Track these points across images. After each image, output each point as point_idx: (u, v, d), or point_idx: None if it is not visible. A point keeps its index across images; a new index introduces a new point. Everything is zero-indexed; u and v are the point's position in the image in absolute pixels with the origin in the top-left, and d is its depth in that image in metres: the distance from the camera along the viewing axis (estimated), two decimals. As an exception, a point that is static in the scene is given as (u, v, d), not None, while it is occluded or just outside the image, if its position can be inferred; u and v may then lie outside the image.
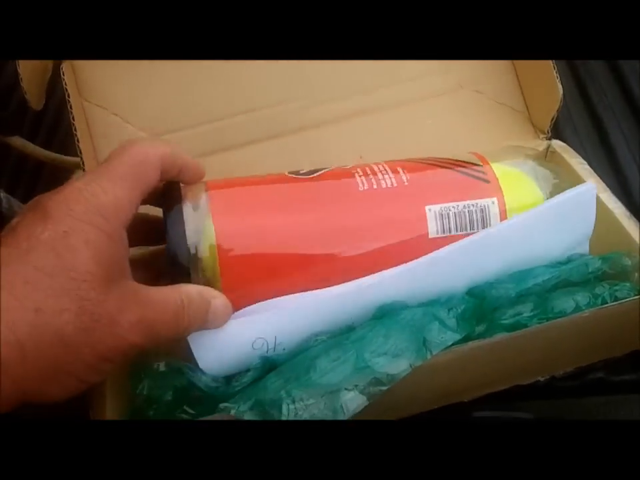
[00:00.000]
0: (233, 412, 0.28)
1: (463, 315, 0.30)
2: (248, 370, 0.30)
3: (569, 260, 0.33)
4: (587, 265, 0.32)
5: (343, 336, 0.30)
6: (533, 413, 0.34)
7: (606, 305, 0.31)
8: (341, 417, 0.27)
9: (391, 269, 0.30)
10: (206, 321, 0.28)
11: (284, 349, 0.30)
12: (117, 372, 0.31)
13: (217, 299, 0.28)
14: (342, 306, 0.30)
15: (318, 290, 0.30)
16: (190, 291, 0.28)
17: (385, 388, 0.27)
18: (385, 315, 0.30)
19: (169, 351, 0.31)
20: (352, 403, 0.27)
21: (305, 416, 0.27)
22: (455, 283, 0.32)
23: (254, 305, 0.30)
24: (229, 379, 0.30)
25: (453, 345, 0.29)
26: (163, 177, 0.29)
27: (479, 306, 0.31)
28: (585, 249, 0.34)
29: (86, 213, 0.24)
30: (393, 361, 0.28)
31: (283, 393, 0.28)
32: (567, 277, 0.32)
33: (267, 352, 0.30)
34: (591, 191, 0.32)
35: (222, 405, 0.29)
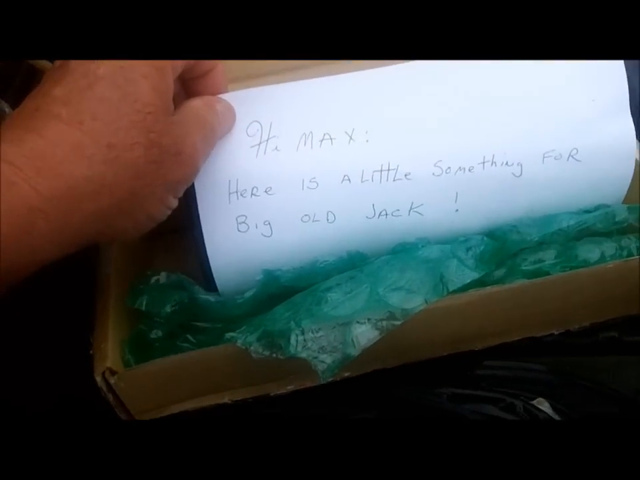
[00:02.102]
0: (239, 342, 0.27)
1: (482, 256, 0.29)
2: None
3: (596, 208, 0.32)
4: (614, 213, 0.31)
5: (356, 269, 0.29)
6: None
7: (632, 258, 0.30)
8: (351, 351, 0.26)
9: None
10: (217, 125, 0.28)
11: (277, 148, 0.29)
12: (122, 290, 0.31)
13: (220, 103, 0.29)
14: (335, 96, 0.30)
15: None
16: (200, 102, 0.28)
17: (398, 323, 0.26)
18: (401, 251, 0.29)
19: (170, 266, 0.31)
20: (363, 336, 0.26)
21: (314, 347, 0.26)
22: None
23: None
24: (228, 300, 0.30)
25: (470, 286, 0.28)
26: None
27: (499, 249, 0.30)
28: (629, 125, 0.31)
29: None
30: (408, 296, 0.27)
31: (293, 323, 0.27)
32: (592, 224, 0.31)
33: (260, 143, 0.29)
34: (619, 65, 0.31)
35: (228, 335, 0.28)
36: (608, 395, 0.31)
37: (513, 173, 0.30)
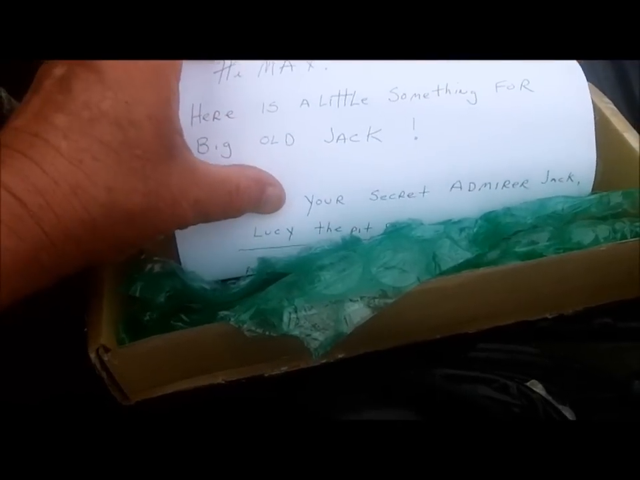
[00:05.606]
0: (232, 320, 0.28)
1: (475, 238, 0.29)
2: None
3: (590, 193, 0.32)
4: (608, 198, 0.31)
5: (349, 249, 0.29)
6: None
7: (625, 241, 0.30)
8: (343, 329, 0.26)
9: None
10: (258, 207, 0.29)
11: (239, 74, 0.29)
12: (115, 275, 0.31)
13: (272, 187, 0.29)
14: None
15: None
16: (248, 174, 0.28)
17: (390, 301, 0.26)
18: (393, 232, 0.29)
19: (165, 253, 0.30)
20: (356, 314, 0.26)
21: (307, 325, 0.26)
22: None
23: None
24: (225, 283, 0.30)
25: (463, 267, 0.28)
26: None
27: (492, 231, 0.30)
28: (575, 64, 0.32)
29: (145, 79, 0.23)
30: (401, 275, 0.27)
31: (285, 302, 0.27)
32: (587, 208, 0.31)
33: (223, 69, 0.29)
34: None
35: (221, 314, 0.28)
36: (602, 379, 0.32)
37: (468, 100, 0.31)
